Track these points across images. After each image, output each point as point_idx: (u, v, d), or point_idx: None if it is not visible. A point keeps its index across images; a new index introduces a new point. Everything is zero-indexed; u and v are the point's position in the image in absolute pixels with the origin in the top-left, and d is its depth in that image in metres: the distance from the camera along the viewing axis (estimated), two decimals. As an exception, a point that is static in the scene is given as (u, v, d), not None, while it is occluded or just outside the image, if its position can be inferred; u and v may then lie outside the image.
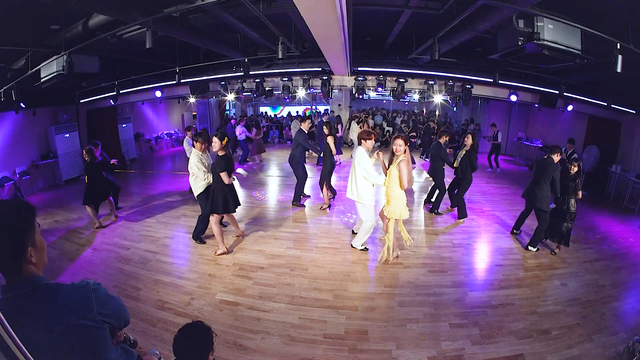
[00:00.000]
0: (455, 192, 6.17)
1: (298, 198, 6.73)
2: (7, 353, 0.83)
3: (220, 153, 4.43)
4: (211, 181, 4.65)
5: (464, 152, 5.88)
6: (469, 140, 5.82)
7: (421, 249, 5.01)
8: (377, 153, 4.46)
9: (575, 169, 4.76)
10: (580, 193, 4.72)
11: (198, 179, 4.78)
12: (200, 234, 5.18)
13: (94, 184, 5.72)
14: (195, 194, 4.91)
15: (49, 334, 1.08)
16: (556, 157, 4.77)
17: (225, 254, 4.74)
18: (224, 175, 4.39)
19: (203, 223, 5.08)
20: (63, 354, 1.12)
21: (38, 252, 1.14)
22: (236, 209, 4.75)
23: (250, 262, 4.56)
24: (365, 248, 4.88)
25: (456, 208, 6.20)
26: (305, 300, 3.77)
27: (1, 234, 1.06)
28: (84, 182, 5.85)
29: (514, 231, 5.59)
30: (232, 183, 4.59)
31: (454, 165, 6.04)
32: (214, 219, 4.61)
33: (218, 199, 4.49)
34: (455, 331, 3.30)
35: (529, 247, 5.01)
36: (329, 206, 6.49)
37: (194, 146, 4.80)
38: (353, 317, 3.49)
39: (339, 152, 7.82)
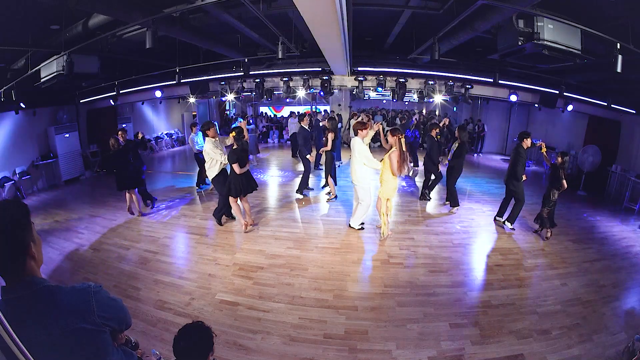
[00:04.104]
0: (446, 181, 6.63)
1: (303, 188, 7.16)
2: (8, 355, 0.83)
3: (234, 145, 4.91)
4: (227, 162, 5.23)
5: (457, 144, 6.30)
6: (457, 133, 6.38)
7: (421, 249, 5.01)
8: (378, 124, 5.21)
9: (560, 160, 5.06)
10: (565, 183, 5.01)
11: (214, 163, 5.38)
12: (220, 212, 5.62)
13: (122, 171, 5.89)
14: (210, 177, 5.57)
15: (49, 336, 1.08)
16: (524, 143, 5.36)
17: (251, 225, 5.44)
18: (235, 167, 4.90)
19: (223, 202, 5.53)
20: (64, 356, 1.12)
21: (37, 247, 1.16)
22: (252, 191, 5.31)
23: (250, 262, 4.56)
24: (362, 227, 5.39)
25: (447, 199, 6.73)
26: (305, 300, 3.77)
27: (5, 232, 1.07)
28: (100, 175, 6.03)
29: (497, 218, 6.00)
30: (248, 170, 5.16)
31: (448, 158, 6.55)
32: (232, 199, 5.21)
33: (231, 185, 5.09)
34: (455, 331, 3.30)
35: (506, 222, 5.69)
36: (336, 197, 6.84)
37: (206, 135, 5.38)
38: (353, 317, 3.49)
39: (338, 158, 8.22)
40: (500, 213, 5.96)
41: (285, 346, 3.10)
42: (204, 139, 5.52)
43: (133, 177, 5.99)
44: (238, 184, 5.06)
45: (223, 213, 5.67)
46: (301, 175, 7.31)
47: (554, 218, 5.36)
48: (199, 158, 7.16)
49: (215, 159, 5.34)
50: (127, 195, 6.08)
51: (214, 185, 5.64)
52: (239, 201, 5.30)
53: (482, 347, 3.09)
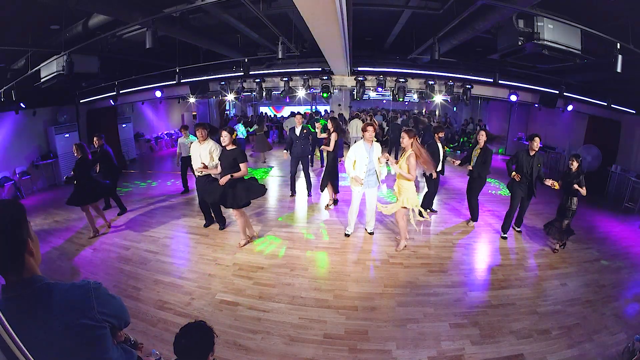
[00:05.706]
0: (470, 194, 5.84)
1: (291, 188, 7.28)
2: (7, 353, 0.83)
3: (231, 147, 4.49)
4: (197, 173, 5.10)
5: (478, 150, 5.51)
6: (482, 137, 5.47)
7: (421, 249, 5.01)
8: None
9: (576, 164, 4.67)
10: (584, 189, 4.56)
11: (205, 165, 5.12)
12: (219, 221, 5.56)
13: (82, 184, 5.23)
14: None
15: (49, 333, 1.08)
16: (531, 145, 5.18)
17: (243, 244, 4.98)
18: (243, 166, 4.47)
19: (205, 210, 5.54)
20: (64, 353, 1.12)
21: (35, 246, 1.16)
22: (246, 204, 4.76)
23: (250, 262, 4.56)
24: (347, 234, 5.28)
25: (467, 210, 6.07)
26: (305, 300, 3.77)
27: (5, 232, 1.07)
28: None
29: (515, 228, 5.64)
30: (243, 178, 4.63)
31: (470, 165, 5.63)
32: (237, 212, 4.78)
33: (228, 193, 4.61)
34: (455, 331, 3.30)
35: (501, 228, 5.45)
36: (335, 202, 6.62)
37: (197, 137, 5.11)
38: (353, 317, 3.49)
39: (341, 154, 7.84)
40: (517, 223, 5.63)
41: (285, 346, 3.10)
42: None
43: (89, 192, 5.31)
44: (236, 191, 4.55)
45: (214, 218, 5.57)
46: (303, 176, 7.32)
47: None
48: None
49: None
50: (87, 209, 5.37)
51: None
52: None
53: (482, 347, 3.09)
